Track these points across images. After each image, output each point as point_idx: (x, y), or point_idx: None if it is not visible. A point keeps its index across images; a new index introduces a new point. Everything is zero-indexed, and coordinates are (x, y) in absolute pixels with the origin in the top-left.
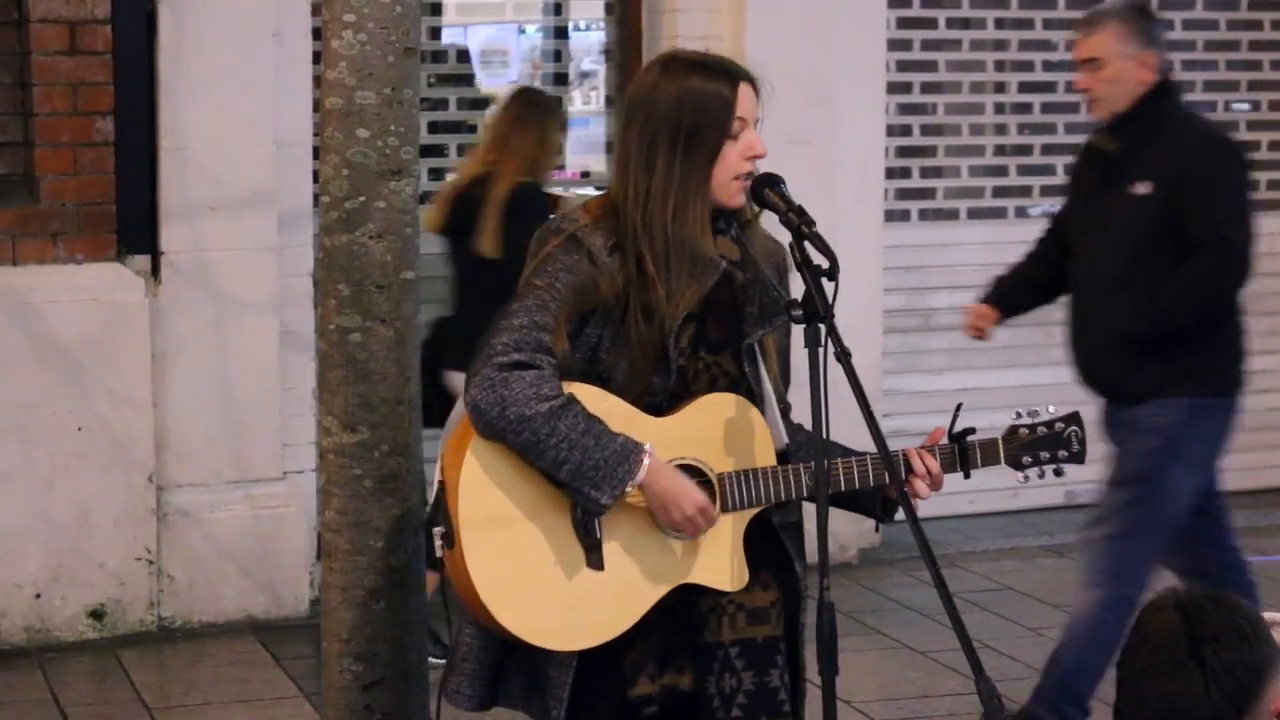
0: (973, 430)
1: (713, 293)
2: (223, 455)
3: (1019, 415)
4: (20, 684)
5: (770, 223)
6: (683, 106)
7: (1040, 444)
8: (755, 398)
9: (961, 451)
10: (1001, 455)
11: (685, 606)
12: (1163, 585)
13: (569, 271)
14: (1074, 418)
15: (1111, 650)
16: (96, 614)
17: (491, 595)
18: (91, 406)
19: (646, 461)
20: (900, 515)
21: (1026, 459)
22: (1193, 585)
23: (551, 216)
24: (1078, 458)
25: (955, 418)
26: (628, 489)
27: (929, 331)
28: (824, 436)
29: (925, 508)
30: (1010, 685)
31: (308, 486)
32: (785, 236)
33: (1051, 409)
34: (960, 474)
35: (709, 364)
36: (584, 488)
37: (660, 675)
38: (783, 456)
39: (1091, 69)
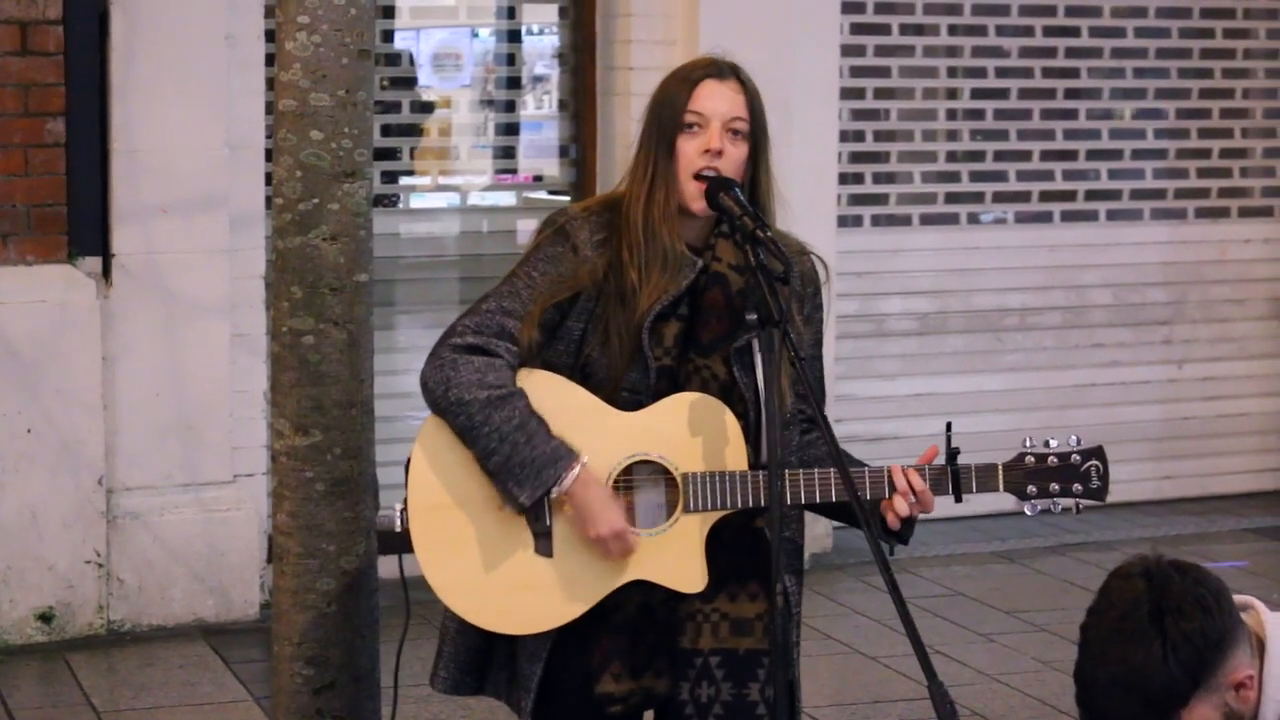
0: (958, 450)
1: (703, 294)
2: (173, 458)
3: (1028, 443)
4: None
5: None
6: (654, 104)
7: (1051, 475)
8: (747, 404)
9: (954, 474)
10: (1000, 482)
11: (666, 610)
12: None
13: (548, 262)
14: (1096, 452)
15: None
16: (45, 617)
17: (437, 576)
18: (41, 408)
19: (575, 471)
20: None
21: (1032, 489)
22: (1161, 554)
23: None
24: (1097, 494)
25: (949, 438)
26: (552, 493)
27: (882, 337)
28: (777, 442)
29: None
30: (961, 690)
31: (258, 489)
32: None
33: (1073, 440)
34: (952, 498)
35: (699, 367)
36: (507, 482)
37: (636, 677)
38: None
39: None
